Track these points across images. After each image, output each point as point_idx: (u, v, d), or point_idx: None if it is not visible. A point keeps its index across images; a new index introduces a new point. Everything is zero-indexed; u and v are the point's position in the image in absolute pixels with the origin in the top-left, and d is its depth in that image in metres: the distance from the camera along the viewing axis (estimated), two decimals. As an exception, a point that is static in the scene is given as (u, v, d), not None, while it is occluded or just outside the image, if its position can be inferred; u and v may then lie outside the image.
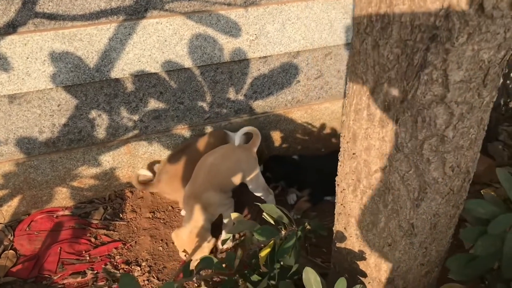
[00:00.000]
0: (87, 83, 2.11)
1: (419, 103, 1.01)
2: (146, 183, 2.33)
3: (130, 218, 2.32)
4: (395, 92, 1.02)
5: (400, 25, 0.94)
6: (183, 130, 2.43)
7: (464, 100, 1.00)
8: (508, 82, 2.98)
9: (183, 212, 2.34)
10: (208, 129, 2.48)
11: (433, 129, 1.05)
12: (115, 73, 2.11)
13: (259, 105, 2.53)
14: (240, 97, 2.45)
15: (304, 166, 2.54)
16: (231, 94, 2.42)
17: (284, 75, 2.49)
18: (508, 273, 1.29)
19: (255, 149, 2.26)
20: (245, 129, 2.25)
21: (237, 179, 2.16)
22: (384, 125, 1.09)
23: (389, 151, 1.13)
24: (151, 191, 2.42)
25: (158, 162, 2.47)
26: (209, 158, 2.13)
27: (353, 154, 1.24)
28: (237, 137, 2.23)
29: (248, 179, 2.20)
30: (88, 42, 1.99)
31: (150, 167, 2.48)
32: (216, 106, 2.42)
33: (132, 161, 2.41)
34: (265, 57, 2.37)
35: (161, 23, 2.06)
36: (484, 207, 1.36)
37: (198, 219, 2.01)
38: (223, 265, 1.52)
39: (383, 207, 1.25)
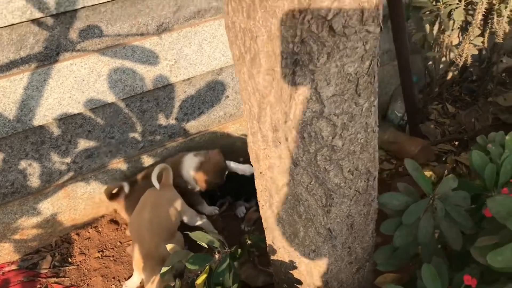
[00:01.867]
0: (10, 135, 2.08)
1: (302, 120, 1.06)
2: (115, 195, 2.30)
3: (80, 261, 2.30)
4: (277, 114, 1.07)
5: (266, 54, 0.98)
6: (119, 164, 2.42)
7: (343, 111, 1.06)
8: (430, 63, 3.11)
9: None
10: (145, 158, 2.48)
11: (321, 141, 1.10)
12: (37, 121, 2.09)
13: (193, 125, 2.56)
14: (172, 121, 2.47)
15: (248, 177, 2.57)
16: (162, 120, 2.43)
17: (212, 93, 2.52)
18: (427, 258, 1.36)
19: (171, 183, 2.24)
20: (156, 171, 2.18)
21: (177, 219, 2.14)
22: (277, 145, 1.14)
23: (288, 167, 1.18)
24: (117, 203, 2.35)
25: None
26: (144, 215, 2.05)
27: (260, 173, 1.29)
28: (154, 182, 2.14)
29: (183, 214, 2.19)
30: (3, 95, 1.97)
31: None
32: (148, 134, 2.43)
33: (72, 203, 2.39)
34: (188, 79, 2.40)
35: (76, 64, 2.06)
36: (398, 198, 1.41)
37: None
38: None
39: (298, 218, 1.30)
